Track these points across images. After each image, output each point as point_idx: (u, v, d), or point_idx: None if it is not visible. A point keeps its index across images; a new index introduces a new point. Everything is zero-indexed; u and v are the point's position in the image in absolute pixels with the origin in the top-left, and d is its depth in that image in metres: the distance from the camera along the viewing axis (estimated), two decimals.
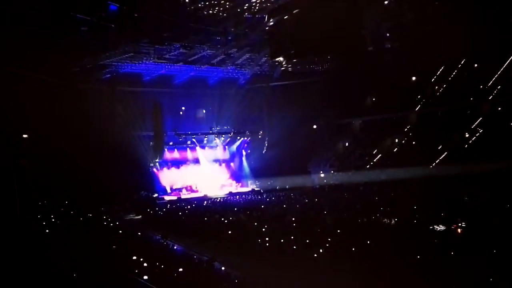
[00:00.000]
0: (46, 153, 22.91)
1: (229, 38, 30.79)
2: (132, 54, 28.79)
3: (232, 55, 32.08)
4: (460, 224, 13.47)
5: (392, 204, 19.60)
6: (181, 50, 29.82)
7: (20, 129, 22.73)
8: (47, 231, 17.10)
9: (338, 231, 13.68)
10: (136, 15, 25.51)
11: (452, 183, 22.47)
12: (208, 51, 31.16)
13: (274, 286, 9.49)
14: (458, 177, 22.53)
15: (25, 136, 22.65)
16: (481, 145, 26.52)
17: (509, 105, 27.23)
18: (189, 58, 31.50)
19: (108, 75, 30.09)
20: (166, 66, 31.93)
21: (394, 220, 15.56)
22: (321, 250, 11.42)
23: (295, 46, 29.16)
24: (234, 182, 35.71)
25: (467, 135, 28.29)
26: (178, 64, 31.90)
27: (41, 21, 22.06)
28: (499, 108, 28.28)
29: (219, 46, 31.02)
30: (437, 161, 27.76)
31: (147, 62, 30.39)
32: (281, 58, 32.94)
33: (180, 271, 10.42)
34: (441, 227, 13.40)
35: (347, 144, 36.02)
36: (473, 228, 13.15)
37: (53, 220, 19.84)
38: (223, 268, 11.11)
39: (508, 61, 28.43)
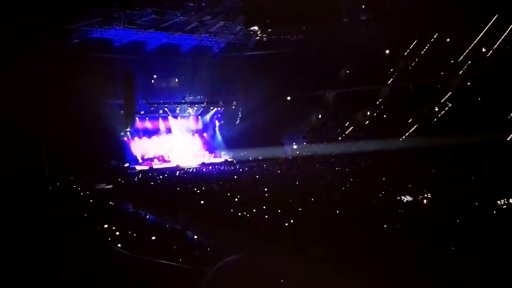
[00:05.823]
0: (9, 122, 22.01)
1: (203, 4, 29.95)
2: (101, 18, 27.63)
3: (205, 22, 31.26)
4: (426, 195, 13.91)
5: (362, 175, 20.02)
6: (152, 16, 28.81)
7: None
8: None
9: (310, 200, 13.92)
10: None
11: (421, 156, 23.13)
12: (181, 17, 30.19)
13: (246, 254, 9.61)
14: (427, 149, 23.21)
15: None
16: (450, 119, 27.27)
17: (478, 80, 27.94)
18: (161, 25, 30.40)
19: (77, 40, 28.86)
20: (137, 32, 30.77)
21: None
22: (292, 220, 11.61)
23: (270, 15, 28.77)
24: (207, 152, 35.57)
25: (436, 109, 28.98)
26: (149, 31, 30.77)
27: None
28: (469, 83, 28.99)
29: (192, 12, 30.14)
30: (407, 134, 28.42)
31: (117, 28, 29.24)
32: (256, 27, 32.48)
33: (153, 239, 10.42)
34: (408, 198, 13.80)
35: (320, 116, 36.34)
36: (438, 199, 13.62)
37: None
38: (195, 237, 11.19)
39: (479, 37, 28.98)
